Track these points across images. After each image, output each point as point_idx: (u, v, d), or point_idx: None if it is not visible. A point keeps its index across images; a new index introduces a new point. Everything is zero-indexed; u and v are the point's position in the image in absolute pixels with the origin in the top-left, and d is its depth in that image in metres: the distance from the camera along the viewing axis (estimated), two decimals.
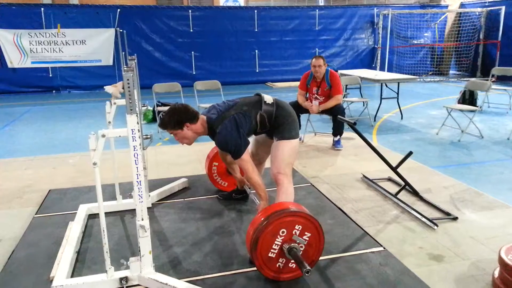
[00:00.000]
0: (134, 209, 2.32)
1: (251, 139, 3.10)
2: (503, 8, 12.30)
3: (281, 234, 2.36)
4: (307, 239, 2.41)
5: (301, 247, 2.40)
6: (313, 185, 4.01)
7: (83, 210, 3.28)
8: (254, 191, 3.02)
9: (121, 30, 3.94)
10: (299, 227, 2.38)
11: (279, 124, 3.01)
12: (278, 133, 3.01)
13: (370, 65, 13.42)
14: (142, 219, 2.30)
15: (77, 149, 5.59)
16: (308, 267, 2.23)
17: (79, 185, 4.05)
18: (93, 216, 3.30)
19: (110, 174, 3.45)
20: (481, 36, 13.26)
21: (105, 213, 2.41)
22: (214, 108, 3.00)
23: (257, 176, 2.89)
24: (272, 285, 2.42)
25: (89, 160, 2.24)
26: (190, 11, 12.25)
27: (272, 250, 2.37)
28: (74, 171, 4.53)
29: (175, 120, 2.85)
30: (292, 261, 2.40)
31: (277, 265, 2.42)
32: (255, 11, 12.70)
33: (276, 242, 2.36)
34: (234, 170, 3.50)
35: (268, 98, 3.07)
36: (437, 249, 2.81)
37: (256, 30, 12.66)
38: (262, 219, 2.36)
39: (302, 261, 2.29)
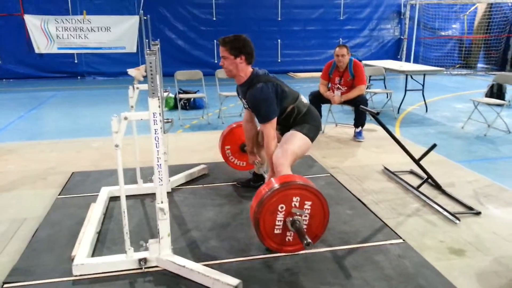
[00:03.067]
0: (154, 193, 2.34)
1: None
2: None
3: (280, 209, 2.37)
4: (309, 208, 2.40)
5: (305, 217, 2.40)
6: (332, 176, 3.97)
7: (104, 192, 3.34)
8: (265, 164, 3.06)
9: (145, 17, 3.95)
10: (297, 199, 2.37)
11: (303, 121, 3.03)
12: (298, 126, 3.02)
13: (395, 57, 13.16)
14: (162, 202, 2.33)
15: (100, 133, 5.69)
16: (309, 240, 2.24)
17: (101, 168, 4.13)
18: (114, 199, 3.35)
19: (132, 159, 3.50)
20: None
21: (126, 196, 2.44)
22: (263, 70, 3.03)
23: (274, 146, 2.90)
24: (289, 272, 2.42)
25: (111, 145, 2.27)
26: None
27: (276, 227, 2.40)
28: (97, 154, 4.61)
29: (238, 45, 2.84)
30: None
31: (287, 239, 2.45)
32: None
33: (278, 218, 2.38)
34: (249, 141, 3.45)
35: (304, 99, 3.12)
36: (458, 244, 2.76)
37: (279, 19, 12.55)
38: (256, 203, 2.38)
39: (304, 234, 2.29)
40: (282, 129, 3.12)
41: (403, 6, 13.23)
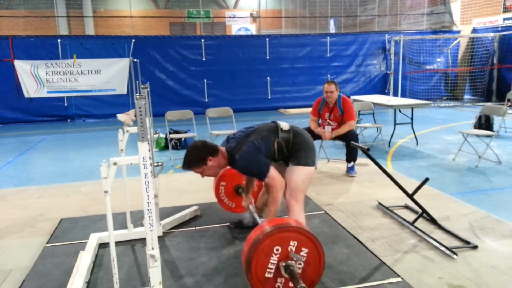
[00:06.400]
0: (145, 238, 2.27)
1: None
2: None
3: (275, 252, 2.29)
4: (305, 255, 2.32)
5: (299, 264, 2.31)
6: (327, 213, 3.92)
7: (94, 239, 3.24)
8: (255, 210, 3.18)
9: (135, 60, 4.00)
10: (295, 243, 2.30)
11: (296, 150, 3.00)
12: (294, 159, 2.99)
13: (383, 91, 13.39)
14: (153, 249, 2.25)
15: (89, 177, 5.61)
16: (303, 284, 2.15)
17: (91, 213, 4.04)
18: (104, 245, 3.26)
19: (122, 202, 3.43)
20: (495, 61, 13.17)
21: (116, 242, 2.38)
22: (232, 138, 3.02)
23: (281, 197, 2.87)
24: None
25: (101, 188, 2.22)
26: (203, 40, 12.48)
27: (268, 270, 2.30)
28: (86, 199, 4.52)
29: (197, 157, 2.86)
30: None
31: (276, 286, 2.34)
32: (267, 39, 12.88)
33: (271, 261, 2.30)
34: (250, 183, 3.48)
35: (284, 125, 3.07)
36: (457, 280, 2.69)
37: (267, 57, 12.80)
38: (254, 238, 2.31)
39: (298, 278, 2.21)
40: (284, 159, 3.09)
41: (388, 42, 13.62)
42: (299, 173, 2.93)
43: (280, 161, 3.13)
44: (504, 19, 13.83)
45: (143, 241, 3.21)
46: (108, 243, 3.07)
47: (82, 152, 7.59)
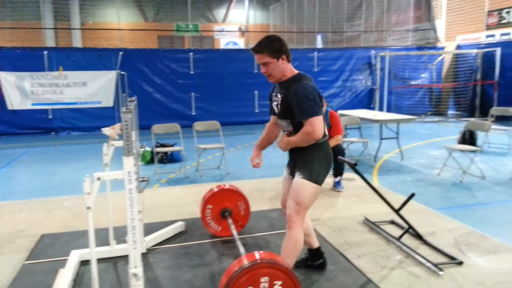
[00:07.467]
0: (128, 255, 2.22)
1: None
2: (498, 50, 12.55)
3: None
4: None
5: None
6: (313, 229, 3.89)
7: (75, 257, 3.16)
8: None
9: (122, 72, 3.95)
10: (266, 279, 2.24)
11: (313, 155, 2.73)
12: (307, 171, 2.71)
13: (368, 106, 13.52)
14: (135, 267, 2.20)
15: (72, 191, 5.50)
16: None
17: (73, 229, 3.94)
18: (85, 263, 3.17)
19: (104, 218, 3.36)
20: (478, 77, 13.44)
21: (98, 259, 2.31)
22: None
23: (308, 142, 2.67)
24: None
25: (83, 203, 2.17)
26: (191, 53, 12.50)
27: None
28: (68, 214, 4.42)
29: (276, 47, 2.64)
30: None
31: None
32: None
33: None
34: (266, 135, 3.14)
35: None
36: None
37: (255, 71, 12.86)
38: (225, 282, 2.24)
39: None
40: (295, 160, 2.83)
41: (374, 58, 13.81)
42: (308, 188, 2.69)
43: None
44: (487, 36, 14.18)
45: (126, 258, 3.13)
46: (89, 260, 3.00)
47: (66, 165, 7.46)
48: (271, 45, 2.66)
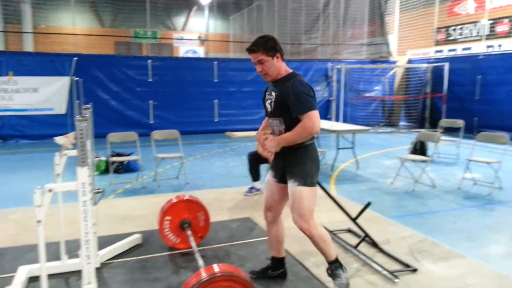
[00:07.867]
0: (81, 271, 2.12)
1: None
2: (447, 64, 13.24)
3: None
4: None
5: None
6: None
7: (23, 273, 2.98)
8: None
9: (76, 79, 3.81)
10: None
11: (300, 158, 2.77)
12: (300, 176, 2.74)
13: (325, 116, 13.83)
14: (89, 283, 2.11)
15: (21, 203, 5.20)
16: None
17: (20, 243, 3.73)
18: (34, 279, 3.00)
19: (55, 231, 3.20)
20: (428, 90, 14.10)
21: (48, 275, 2.19)
22: None
23: (304, 138, 2.71)
24: None
25: (32, 215, 2.06)
26: (149, 60, 12.29)
27: None
28: (15, 227, 4.19)
29: (270, 45, 2.71)
30: None
31: None
32: (215, 62, 12.94)
33: None
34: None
35: None
36: None
37: (215, 80, 12.84)
38: None
39: None
40: (284, 162, 2.85)
41: (330, 70, 14.18)
42: (306, 196, 2.75)
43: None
44: (436, 51, 14.95)
45: (78, 273, 3.00)
46: (39, 277, 2.84)
47: (14, 175, 7.08)
48: (266, 44, 2.73)
